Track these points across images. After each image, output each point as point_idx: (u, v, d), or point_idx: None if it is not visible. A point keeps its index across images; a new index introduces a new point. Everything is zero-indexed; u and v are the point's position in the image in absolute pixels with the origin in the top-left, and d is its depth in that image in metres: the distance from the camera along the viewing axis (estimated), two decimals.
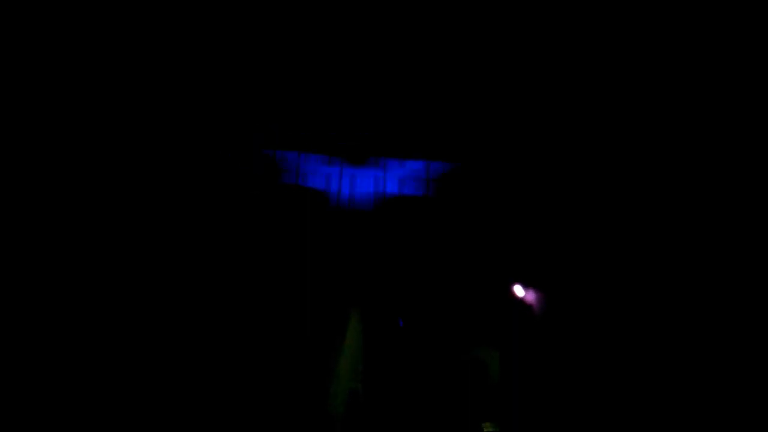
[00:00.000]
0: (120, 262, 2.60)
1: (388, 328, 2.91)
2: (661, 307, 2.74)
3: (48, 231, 2.54)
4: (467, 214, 3.02)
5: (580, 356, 2.82)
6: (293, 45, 2.65)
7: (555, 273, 2.97)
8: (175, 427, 2.56)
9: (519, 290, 3.01)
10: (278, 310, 2.79)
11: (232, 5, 2.54)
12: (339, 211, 2.95)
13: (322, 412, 2.68)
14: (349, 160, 2.93)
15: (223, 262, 2.75)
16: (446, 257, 3.00)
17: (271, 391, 2.69)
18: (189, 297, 2.68)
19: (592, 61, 2.69)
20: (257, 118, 2.82)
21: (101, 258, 2.58)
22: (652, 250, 2.79)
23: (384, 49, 2.64)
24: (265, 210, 2.79)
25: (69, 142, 2.57)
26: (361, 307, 2.89)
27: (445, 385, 2.85)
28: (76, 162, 2.59)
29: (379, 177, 3.02)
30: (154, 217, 2.67)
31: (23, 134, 2.51)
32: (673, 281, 2.72)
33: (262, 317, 2.77)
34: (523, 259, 3.01)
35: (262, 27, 2.58)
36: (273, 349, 2.75)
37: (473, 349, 2.91)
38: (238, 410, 2.64)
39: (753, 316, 2.57)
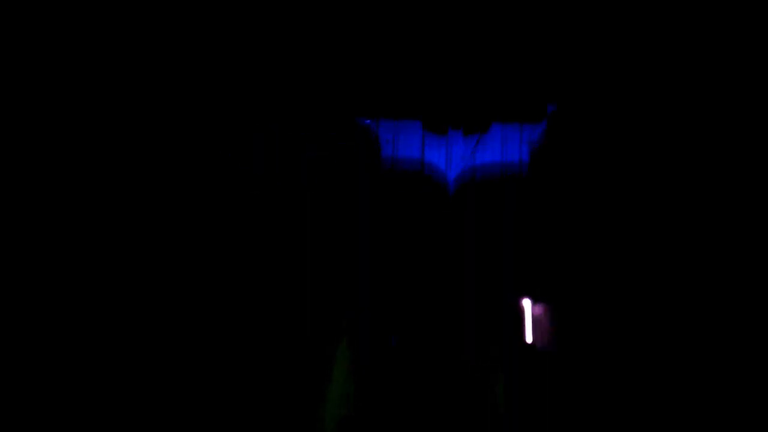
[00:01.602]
0: (116, 264, 2.59)
1: (380, 347, 2.82)
2: (672, 324, 2.68)
3: (46, 231, 2.54)
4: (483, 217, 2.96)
5: (592, 378, 2.74)
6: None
7: (565, 286, 2.89)
8: None
9: (526, 304, 2.91)
10: (273, 314, 2.75)
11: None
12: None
13: None
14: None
15: (221, 264, 2.73)
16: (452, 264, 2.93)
17: (259, 412, 2.64)
18: (186, 301, 2.66)
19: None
20: (258, 117, 2.81)
21: (100, 259, 2.58)
22: (668, 268, 2.72)
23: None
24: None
25: (67, 142, 2.58)
26: (352, 320, 2.81)
27: (445, 409, 2.76)
28: (73, 162, 2.59)
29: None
30: (152, 218, 2.66)
31: (18, 134, 2.53)
32: (685, 298, 2.66)
33: (258, 323, 2.73)
34: (532, 270, 2.93)
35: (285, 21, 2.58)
36: (267, 361, 2.70)
37: (474, 369, 2.82)
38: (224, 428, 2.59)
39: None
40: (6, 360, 2.39)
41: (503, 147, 3.02)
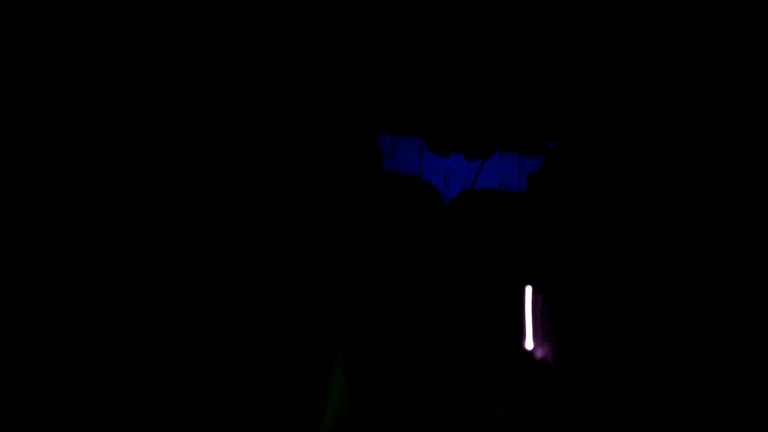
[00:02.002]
0: (108, 268, 2.59)
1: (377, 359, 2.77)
2: (679, 323, 2.70)
3: (46, 229, 2.53)
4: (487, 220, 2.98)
5: (592, 385, 2.71)
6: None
7: (566, 296, 2.87)
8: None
9: (527, 310, 2.89)
10: (267, 327, 2.72)
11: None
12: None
13: None
14: None
15: (215, 276, 2.72)
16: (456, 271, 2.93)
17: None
18: (178, 306, 2.64)
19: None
20: (255, 126, 2.85)
21: (91, 261, 2.57)
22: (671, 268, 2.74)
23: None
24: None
25: (68, 142, 2.59)
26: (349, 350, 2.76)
27: (444, 416, 2.70)
28: (74, 162, 2.60)
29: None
30: (149, 219, 2.66)
31: (18, 135, 2.55)
32: (681, 326, 2.69)
33: (252, 335, 2.70)
34: (533, 279, 2.92)
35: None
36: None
37: (474, 375, 2.77)
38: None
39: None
40: (5, 359, 2.36)
41: (502, 169, 3.06)
